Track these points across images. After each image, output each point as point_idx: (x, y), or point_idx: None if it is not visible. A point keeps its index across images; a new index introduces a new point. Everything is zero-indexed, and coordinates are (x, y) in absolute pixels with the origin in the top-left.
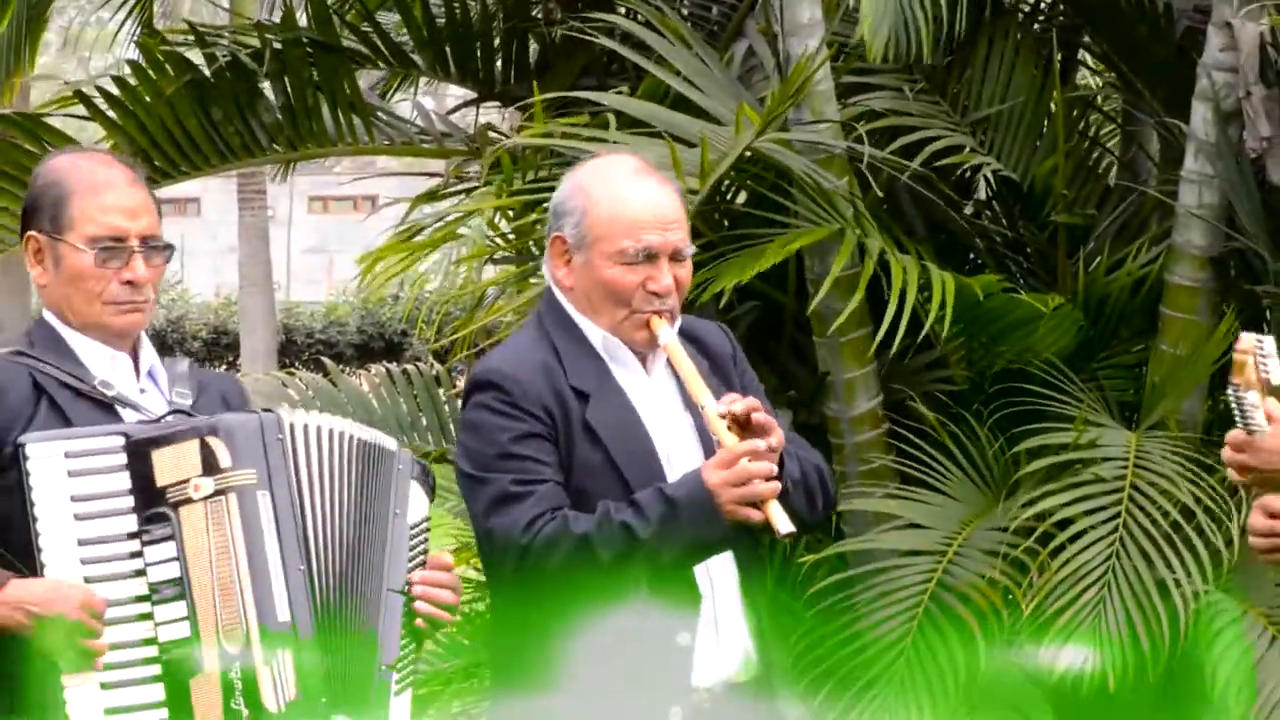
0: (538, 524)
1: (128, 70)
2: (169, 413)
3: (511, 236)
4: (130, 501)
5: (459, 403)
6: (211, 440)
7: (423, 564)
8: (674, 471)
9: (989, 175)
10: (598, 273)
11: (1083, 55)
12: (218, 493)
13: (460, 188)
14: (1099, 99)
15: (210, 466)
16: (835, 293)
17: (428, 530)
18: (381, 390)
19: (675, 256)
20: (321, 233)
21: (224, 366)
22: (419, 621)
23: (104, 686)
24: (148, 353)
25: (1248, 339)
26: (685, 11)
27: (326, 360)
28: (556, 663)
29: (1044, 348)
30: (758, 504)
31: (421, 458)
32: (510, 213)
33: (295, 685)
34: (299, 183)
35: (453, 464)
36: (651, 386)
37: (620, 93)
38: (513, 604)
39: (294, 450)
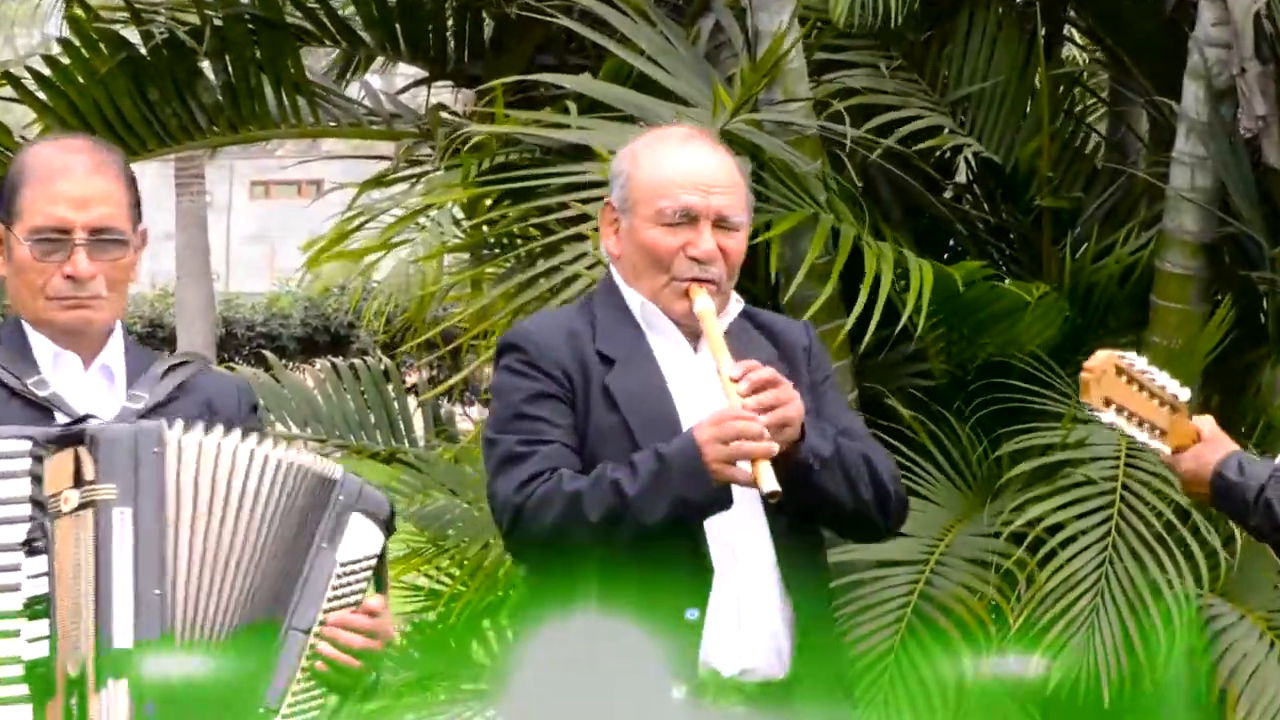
0: (534, 483)
1: (58, 49)
2: (80, 418)
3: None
4: (27, 509)
5: (409, 398)
6: (81, 451)
7: (356, 603)
8: None
9: (970, 157)
10: (638, 235)
11: (1068, 30)
12: (82, 506)
13: (411, 172)
14: (1085, 76)
15: (79, 478)
16: (809, 281)
17: (370, 567)
18: (327, 386)
19: (721, 224)
20: (263, 219)
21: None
22: (319, 663)
23: None
24: (111, 351)
25: (1099, 357)
26: None
27: (268, 354)
28: (557, 634)
29: (1028, 340)
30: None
31: (370, 457)
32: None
33: (128, 715)
34: (239, 167)
35: (404, 463)
36: (694, 360)
37: (581, 73)
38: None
39: (176, 466)
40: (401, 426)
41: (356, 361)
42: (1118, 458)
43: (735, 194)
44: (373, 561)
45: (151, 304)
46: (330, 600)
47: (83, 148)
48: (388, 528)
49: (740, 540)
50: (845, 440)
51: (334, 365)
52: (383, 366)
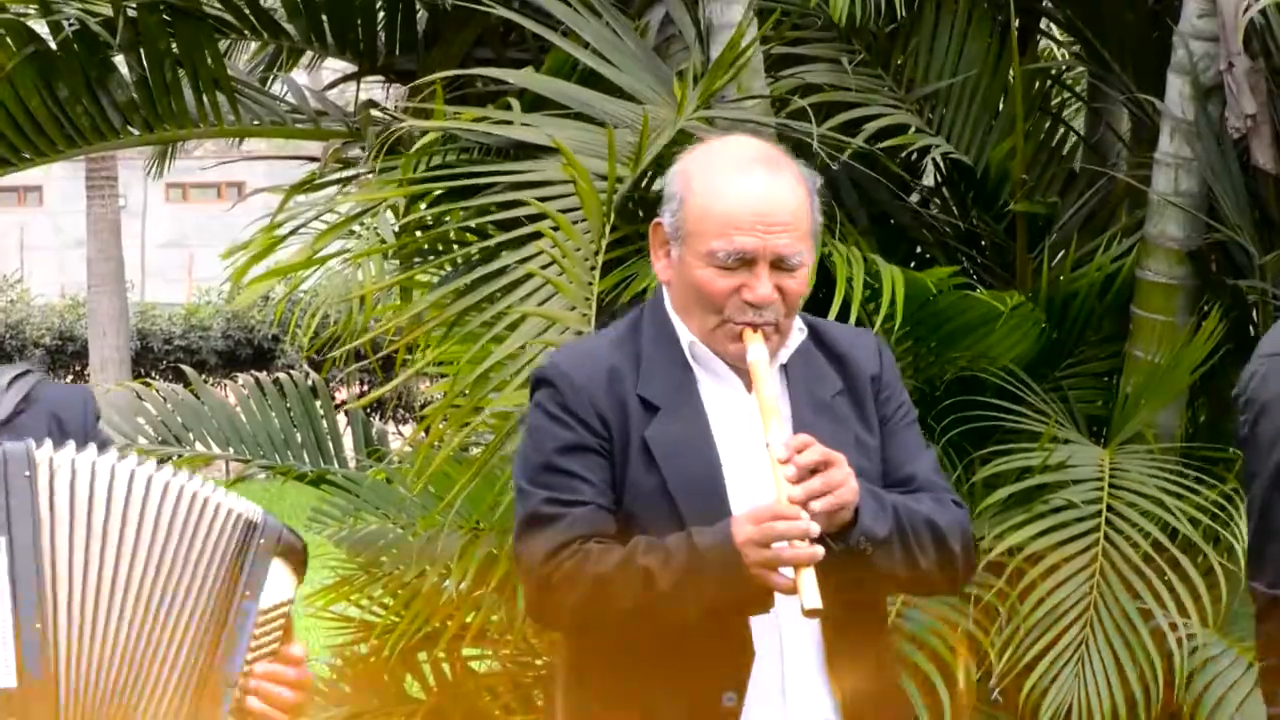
0: (561, 555)
1: None
2: None
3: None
4: None
5: (338, 415)
6: None
7: (273, 652)
8: (747, 504)
9: (938, 158)
10: (689, 271)
11: (1045, 23)
12: None
13: (340, 175)
14: (1062, 72)
15: None
16: None
17: (286, 613)
18: (250, 403)
19: (779, 264)
20: (180, 225)
21: (70, 377)
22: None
23: None
24: None
25: None
26: None
27: (187, 369)
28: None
29: (1001, 353)
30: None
31: (296, 478)
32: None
33: None
34: (152, 166)
35: (333, 485)
36: (746, 401)
37: (522, 67)
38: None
39: (49, 491)
40: (330, 446)
41: (282, 376)
42: (1101, 479)
43: (796, 230)
44: (288, 607)
45: (61, 315)
46: (253, 650)
47: None
48: (301, 572)
49: (786, 616)
50: (907, 503)
51: (258, 380)
52: (310, 382)
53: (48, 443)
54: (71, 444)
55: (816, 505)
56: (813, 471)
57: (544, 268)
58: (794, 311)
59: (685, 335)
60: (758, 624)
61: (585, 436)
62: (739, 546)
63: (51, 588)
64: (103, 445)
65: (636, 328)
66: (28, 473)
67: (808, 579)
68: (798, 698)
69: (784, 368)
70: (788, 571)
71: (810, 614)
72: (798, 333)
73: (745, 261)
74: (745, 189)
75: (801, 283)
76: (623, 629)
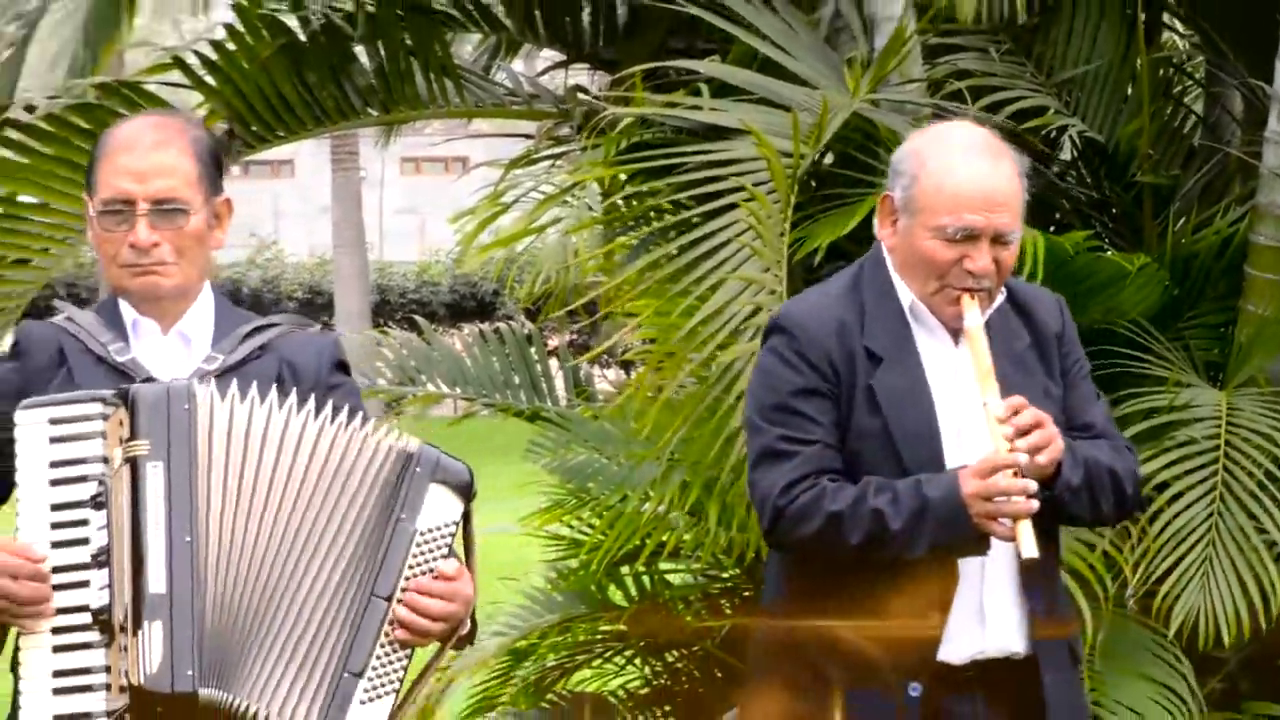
0: (795, 490)
1: (223, 34)
2: (143, 380)
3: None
4: (100, 468)
5: (551, 360)
6: (122, 411)
7: (431, 571)
8: (960, 447)
9: (1074, 136)
10: (917, 241)
11: (1167, 17)
12: (125, 461)
13: (552, 151)
14: (1183, 60)
15: (123, 436)
16: None
17: (449, 534)
18: (474, 349)
19: (998, 239)
20: (413, 194)
21: (319, 326)
22: (400, 631)
23: (55, 650)
24: (191, 317)
25: None
26: None
27: (420, 319)
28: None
29: (1130, 308)
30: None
31: (515, 415)
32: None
33: (160, 656)
34: (391, 144)
35: (547, 421)
36: (956, 357)
37: (710, 56)
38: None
39: (207, 423)
40: (544, 386)
41: (501, 326)
42: (1219, 417)
43: (1013, 210)
44: (452, 529)
45: (310, 272)
46: (410, 568)
47: (155, 125)
48: (467, 496)
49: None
50: (1092, 454)
51: (481, 330)
52: (526, 331)
53: (211, 383)
54: (234, 385)
55: (1038, 460)
56: (1026, 431)
57: (739, 235)
58: (1005, 279)
59: (905, 295)
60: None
61: (817, 381)
62: (965, 498)
63: (205, 507)
64: (330, 389)
65: (857, 284)
66: (187, 406)
67: (1025, 529)
68: (994, 619)
69: (988, 324)
70: (1006, 521)
71: (1028, 562)
72: (1000, 295)
73: (970, 236)
74: (974, 172)
75: (1013, 255)
76: (852, 560)
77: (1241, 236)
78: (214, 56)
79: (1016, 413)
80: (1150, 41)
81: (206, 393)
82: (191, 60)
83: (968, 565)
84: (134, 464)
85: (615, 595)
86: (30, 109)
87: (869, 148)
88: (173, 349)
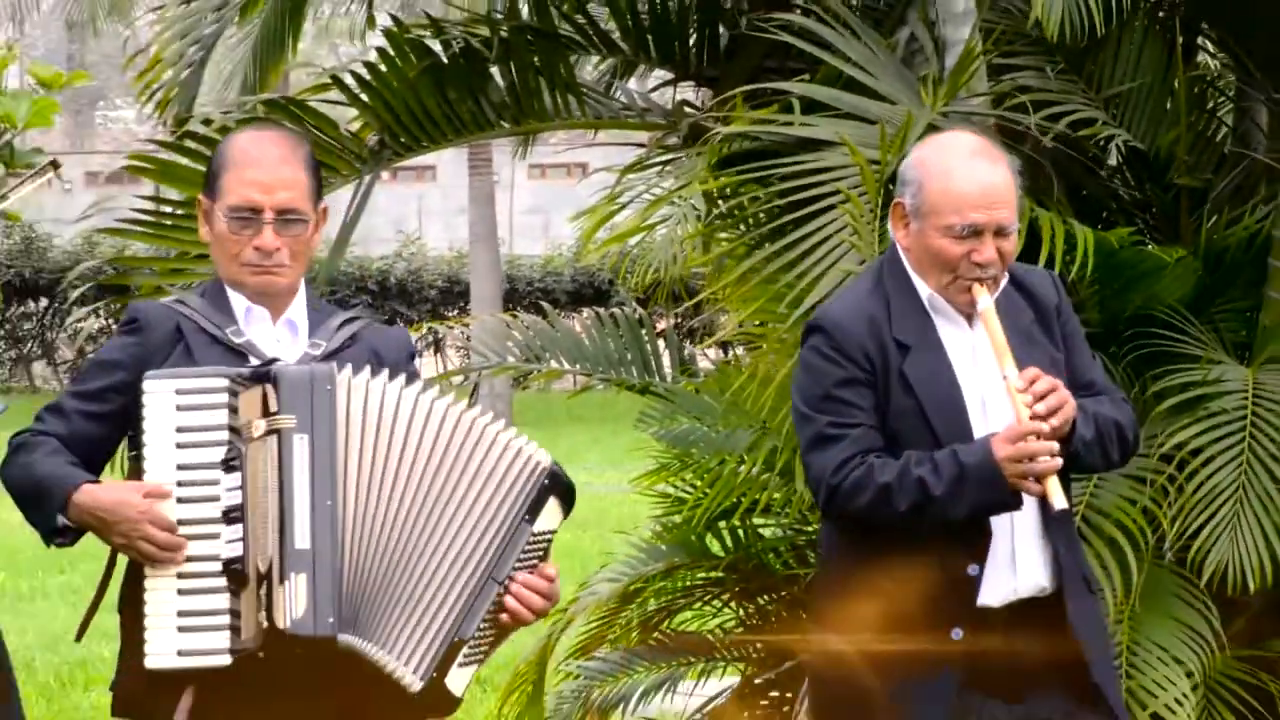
0: (846, 468)
1: (376, 57)
2: (268, 361)
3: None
4: (223, 435)
5: (659, 342)
6: (268, 388)
7: (533, 567)
8: (984, 417)
9: (1120, 145)
10: (928, 241)
11: (1202, 40)
12: (268, 433)
13: (661, 158)
14: (1216, 78)
15: (265, 410)
16: None
17: (550, 539)
18: (592, 331)
19: (999, 232)
20: (539, 196)
21: (456, 312)
22: (505, 616)
23: (180, 593)
24: (295, 308)
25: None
26: (855, 3)
27: (545, 305)
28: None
29: (1168, 295)
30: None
31: (627, 388)
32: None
33: (305, 604)
34: (519, 151)
35: (655, 394)
36: (972, 339)
37: (800, 76)
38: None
39: (345, 401)
40: (653, 364)
41: (616, 311)
42: (1246, 391)
43: (1010, 205)
44: (551, 536)
45: (449, 264)
46: (520, 562)
47: (274, 140)
48: (568, 508)
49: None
50: (1098, 409)
51: (598, 314)
52: (637, 316)
53: (349, 366)
54: (367, 369)
55: (1054, 422)
56: (1042, 397)
57: (836, 233)
58: (1008, 266)
59: (924, 290)
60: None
61: (856, 372)
62: (998, 462)
63: (343, 476)
64: (411, 377)
65: (880, 282)
66: (329, 387)
67: (1054, 484)
68: (1024, 565)
69: (995, 304)
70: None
71: (1060, 514)
72: (1003, 277)
73: (975, 232)
74: (975, 173)
75: (1014, 244)
76: (900, 522)
77: (1266, 232)
78: (367, 76)
79: (1033, 382)
80: (1187, 62)
81: (345, 376)
82: (348, 80)
83: (999, 519)
84: (280, 435)
85: (713, 546)
86: (207, 122)
87: None
88: (281, 335)
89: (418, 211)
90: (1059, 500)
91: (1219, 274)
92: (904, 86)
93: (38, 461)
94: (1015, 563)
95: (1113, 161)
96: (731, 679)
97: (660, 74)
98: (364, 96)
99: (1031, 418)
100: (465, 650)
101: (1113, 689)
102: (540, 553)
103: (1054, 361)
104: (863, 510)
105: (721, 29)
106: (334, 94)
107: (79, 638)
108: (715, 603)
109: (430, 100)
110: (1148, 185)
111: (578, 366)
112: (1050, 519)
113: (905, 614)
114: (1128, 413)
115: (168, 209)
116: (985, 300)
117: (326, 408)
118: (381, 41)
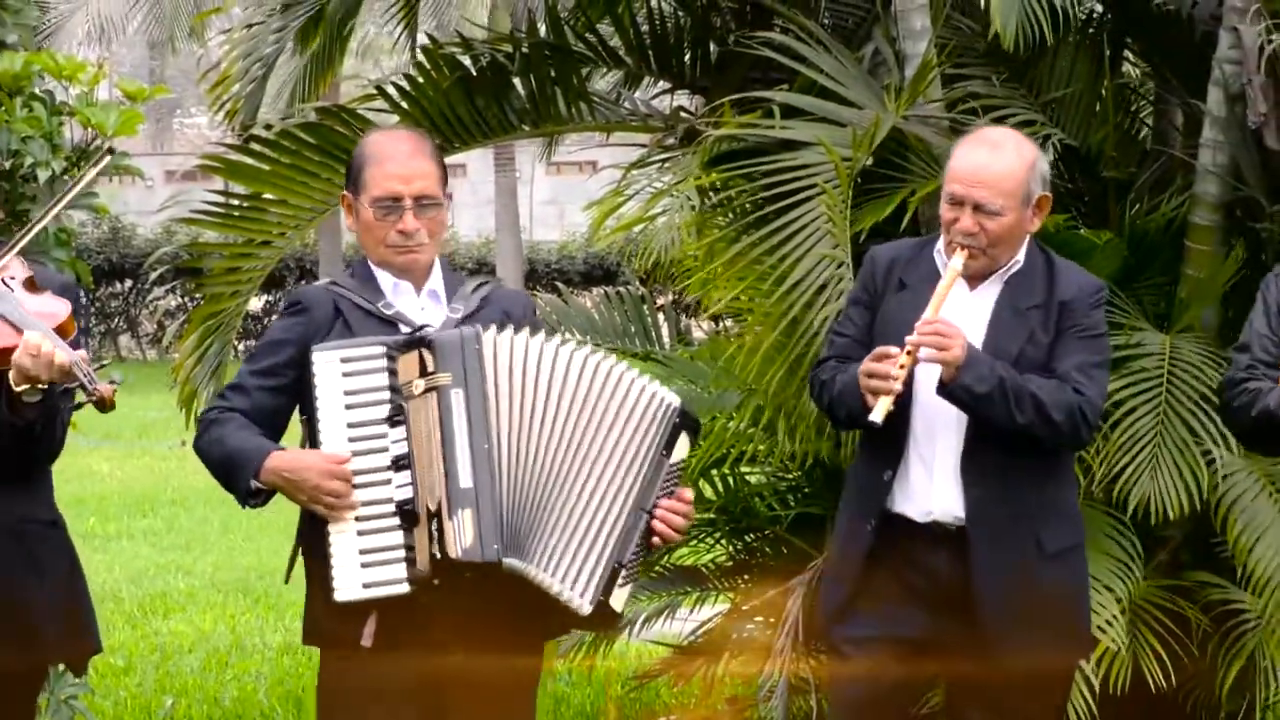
0: (821, 366)
1: (414, 70)
2: (419, 327)
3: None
4: (386, 395)
5: (659, 315)
6: (424, 351)
7: (671, 493)
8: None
9: (1056, 143)
10: (941, 205)
11: (1126, 53)
12: (428, 390)
13: (660, 157)
14: (1138, 85)
15: (423, 370)
16: None
17: (681, 469)
18: (601, 307)
19: (979, 208)
20: (555, 189)
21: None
22: (655, 539)
23: (360, 534)
24: (434, 279)
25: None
26: (827, 22)
27: (560, 285)
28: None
29: (1098, 272)
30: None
31: (631, 356)
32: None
33: (472, 535)
34: (539, 151)
35: (655, 361)
36: (967, 298)
37: (780, 86)
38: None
39: (493, 358)
40: (654, 335)
41: (621, 289)
42: (1164, 354)
43: (996, 188)
44: (683, 465)
45: (478, 249)
46: (660, 490)
47: (404, 137)
48: (696, 439)
49: (940, 423)
50: (1019, 379)
51: (606, 292)
52: (640, 294)
53: (493, 326)
54: (509, 328)
55: (922, 355)
56: (929, 336)
57: (812, 221)
58: (998, 244)
59: (941, 245)
60: (919, 423)
61: (861, 294)
62: (858, 374)
63: (497, 422)
64: (535, 328)
65: (930, 240)
66: (477, 346)
67: (882, 402)
68: (940, 493)
69: (1007, 281)
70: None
71: (869, 424)
72: (1018, 260)
73: (958, 202)
74: (967, 154)
75: (1000, 225)
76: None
77: (1182, 218)
78: (407, 87)
79: (929, 323)
80: (1114, 71)
81: (490, 335)
82: (390, 90)
83: (915, 434)
84: (438, 391)
85: (706, 491)
86: (268, 127)
87: (901, 152)
88: (425, 304)
89: (451, 204)
90: (876, 414)
91: (1141, 254)
92: (870, 94)
93: (229, 435)
94: (932, 474)
95: (1050, 157)
96: (722, 606)
97: (660, 84)
98: (404, 104)
99: (908, 353)
100: (624, 573)
101: (1010, 637)
102: (676, 480)
103: (1033, 338)
104: (817, 400)
105: (712, 45)
106: (378, 103)
107: (287, 579)
108: (708, 540)
109: (461, 107)
110: (1080, 177)
111: (589, 337)
112: (970, 461)
113: (849, 503)
114: (1065, 396)
115: (235, 201)
116: (956, 261)
117: (477, 364)
118: (419, 56)
